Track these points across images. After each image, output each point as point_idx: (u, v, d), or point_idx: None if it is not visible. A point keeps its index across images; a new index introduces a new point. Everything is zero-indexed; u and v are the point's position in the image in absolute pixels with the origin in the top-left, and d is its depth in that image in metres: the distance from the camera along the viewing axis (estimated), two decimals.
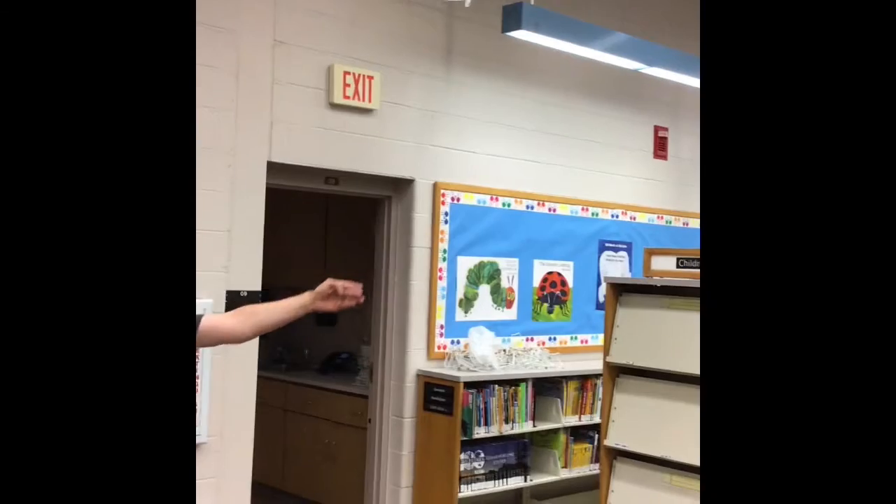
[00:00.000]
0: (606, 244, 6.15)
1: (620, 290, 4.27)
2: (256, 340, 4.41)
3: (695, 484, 3.82)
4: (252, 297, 4.36)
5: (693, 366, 3.62)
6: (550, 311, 5.80)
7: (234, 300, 4.30)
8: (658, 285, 4.11)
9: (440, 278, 5.18)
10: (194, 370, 1.69)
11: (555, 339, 5.81)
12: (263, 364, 6.44)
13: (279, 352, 6.78)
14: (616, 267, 6.19)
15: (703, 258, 1.66)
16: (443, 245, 5.16)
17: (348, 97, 4.67)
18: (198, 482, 4.08)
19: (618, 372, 4.22)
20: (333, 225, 6.31)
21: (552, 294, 5.81)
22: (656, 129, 6.41)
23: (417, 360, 5.08)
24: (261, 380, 6.09)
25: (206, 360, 4.11)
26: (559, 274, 5.86)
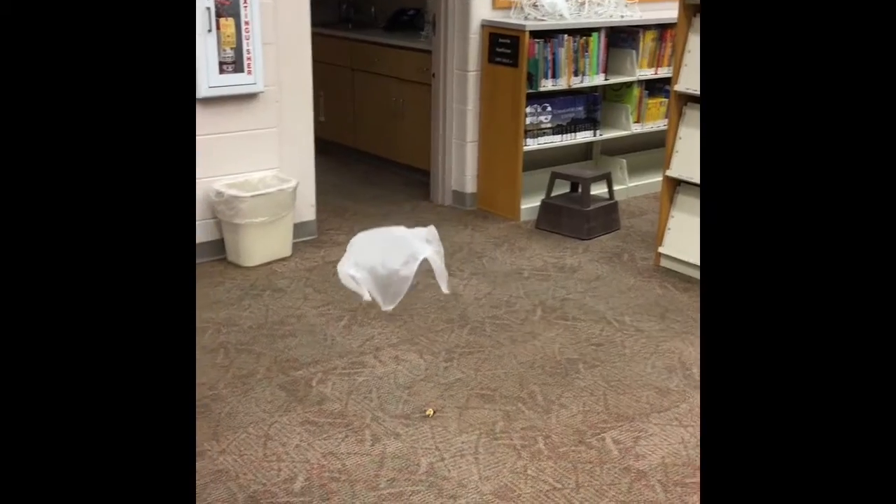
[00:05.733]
0: None
1: None
2: None
3: None
4: None
5: None
6: None
7: None
8: None
9: None
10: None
11: None
12: (329, 23, 6.26)
13: (344, 10, 6.52)
14: None
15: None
16: None
17: None
18: (259, 131, 4.11)
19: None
20: None
21: None
22: None
23: (482, 10, 4.77)
24: (327, 39, 5.95)
25: (255, 8, 3.92)
26: None
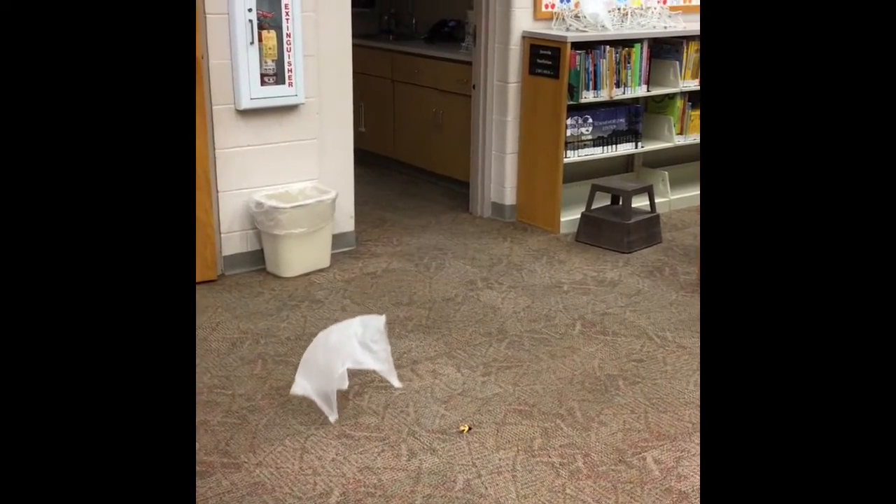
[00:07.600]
0: None
1: None
2: (348, 3, 4.19)
3: None
4: None
5: None
6: None
7: None
8: None
9: None
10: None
11: None
12: (370, 35, 6.28)
13: (386, 21, 6.54)
14: None
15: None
16: None
17: None
18: (299, 143, 4.13)
19: None
20: None
21: None
22: None
23: (523, 21, 4.75)
24: (368, 50, 5.97)
25: (297, 21, 3.94)
26: None
